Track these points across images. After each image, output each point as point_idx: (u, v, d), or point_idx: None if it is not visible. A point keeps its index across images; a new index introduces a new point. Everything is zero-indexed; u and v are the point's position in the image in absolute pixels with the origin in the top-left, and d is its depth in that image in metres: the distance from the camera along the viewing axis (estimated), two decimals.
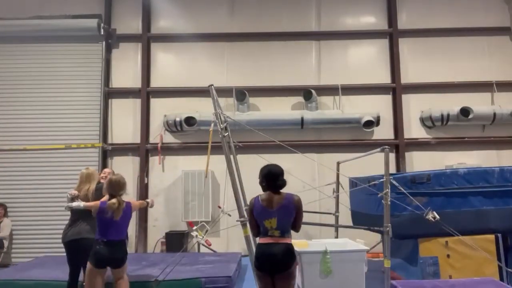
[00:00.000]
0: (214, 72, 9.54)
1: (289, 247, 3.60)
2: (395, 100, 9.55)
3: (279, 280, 3.55)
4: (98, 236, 4.38)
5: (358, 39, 9.88)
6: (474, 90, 9.55)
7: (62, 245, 4.85)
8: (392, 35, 9.71)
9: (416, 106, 9.57)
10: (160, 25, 9.98)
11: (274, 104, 9.52)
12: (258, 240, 3.75)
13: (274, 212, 3.61)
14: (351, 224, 6.96)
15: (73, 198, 4.73)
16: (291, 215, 3.66)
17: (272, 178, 3.71)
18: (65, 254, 4.90)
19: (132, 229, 8.62)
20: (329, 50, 9.83)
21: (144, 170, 9.29)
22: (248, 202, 7.27)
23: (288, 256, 3.55)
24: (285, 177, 3.76)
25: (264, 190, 3.76)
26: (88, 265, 4.34)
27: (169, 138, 9.57)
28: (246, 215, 5.81)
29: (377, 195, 4.71)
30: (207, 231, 7.13)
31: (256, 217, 3.69)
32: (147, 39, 9.76)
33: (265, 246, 3.60)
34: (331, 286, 4.67)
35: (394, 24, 9.71)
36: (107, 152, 9.46)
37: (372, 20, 9.98)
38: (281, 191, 3.72)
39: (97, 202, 4.46)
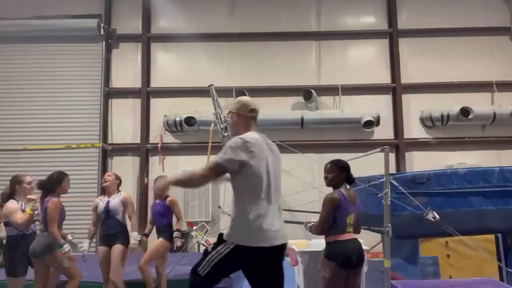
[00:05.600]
0: (214, 72, 9.53)
1: None
2: (395, 100, 9.55)
3: (355, 276, 3.63)
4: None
5: (358, 39, 9.88)
6: (474, 90, 9.55)
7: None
8: (392, 35, 9.71)
9: (416, 106, 9.57)
10: (160, 25, 9.98)
11: (274, 104, 9.51)
12: (330, 237, 3.65)
13: (353, 209, 3.67)
14: None
15: None
16: (358, 214, 3.74)
17: (349, 172, 3.76)
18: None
19: None
20: (329, 50, 9.83)
21: (144, 170, 9.28)
22: None
23: (363, 252, 3.71)
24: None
25: (337, 184, 3.73)
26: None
27: (169, 138, 9.56)
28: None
29: (377, 195, 4.71)
30: (207, 231, 7.13)
31: (338, 212, 3.60)
32: (147, 39, 9.76)
33: (350, 242, 3.61)
34: None
35: (394, 24, 9.72)
36: (107, 152, 9.46)
37: (372, 20, 9.98)
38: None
39: None
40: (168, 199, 5.12)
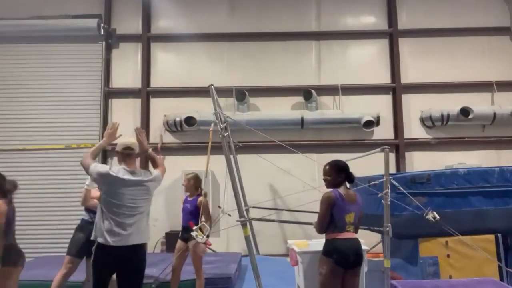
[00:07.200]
0: (214, 72, 9.53)
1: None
2: (395, 100, 9.55)
3: (353, 275, 3.66)
4: None
5: (358, 39, 9.88)
6: (474, 90, 9.55)
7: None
8: (392, 35, 9.71)
9: (416, 106, 9.57)
10: (160, 25, 9.99)
11: (274, 104, 9.52)
12: (329, 235, 3.71)
13: (353, 207, 3.71)
14: None
15: None
16: (359, 213, 3.78)
17: (349, 172, 3.83)
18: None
19: None
20: (329, 50, 9.83)
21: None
22: (247, 202, 7.35)
23: (362, 251, 3.75)
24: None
25: (336, 184, 3.80)
26: None
27: (169, 138, 9.56)
28: (245, 215, 5.80)
29: (377, 195, 4.71)
30: (207, 231, 7.10)
31: (335, 211, 3.65)
32: (147, 39, 9.76)
33: (348, 241, 3.65)
34: None
35: (394, 24, 9.72)
36: (107, 152, 9.45)
37: (372, 20, 9.98)
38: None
39: None
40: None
